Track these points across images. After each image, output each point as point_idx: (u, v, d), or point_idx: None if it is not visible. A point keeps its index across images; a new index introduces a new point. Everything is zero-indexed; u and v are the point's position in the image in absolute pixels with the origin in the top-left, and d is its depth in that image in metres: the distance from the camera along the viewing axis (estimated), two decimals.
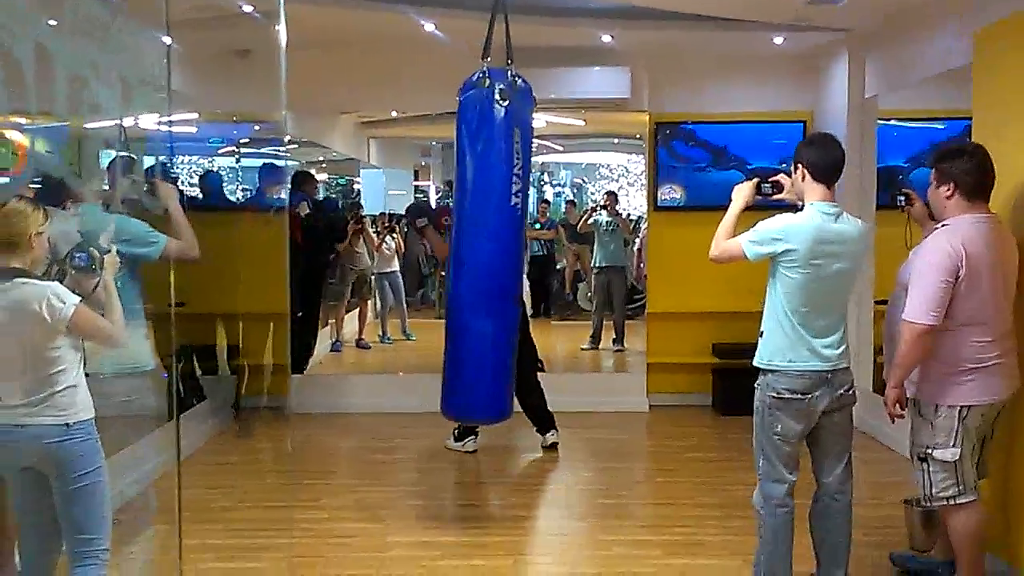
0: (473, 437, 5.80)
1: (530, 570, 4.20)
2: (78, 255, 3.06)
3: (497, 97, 4.28)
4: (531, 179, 4.59)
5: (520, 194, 4.41)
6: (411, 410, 6.40)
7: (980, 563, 3.48)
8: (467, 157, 4.40)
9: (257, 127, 7.19)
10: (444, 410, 4.69)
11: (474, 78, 4.33)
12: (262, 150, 7.71)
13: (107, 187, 4.15)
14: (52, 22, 3.49)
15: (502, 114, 4.31)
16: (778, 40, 6.39)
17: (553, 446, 5.85)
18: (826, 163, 3.35)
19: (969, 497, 3.42)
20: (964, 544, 3.45)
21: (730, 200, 3.56)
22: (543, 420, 5.83)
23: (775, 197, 3.53)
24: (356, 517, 4.72)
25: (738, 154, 7.01)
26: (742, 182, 3.61)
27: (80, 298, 2.93)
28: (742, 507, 3.90)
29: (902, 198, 3.86)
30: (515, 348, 4.67)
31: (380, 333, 9.43)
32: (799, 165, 3.40)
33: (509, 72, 4.35)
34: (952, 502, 3.42)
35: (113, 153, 4.16)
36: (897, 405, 3.44)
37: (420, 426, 6.17)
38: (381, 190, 11.22)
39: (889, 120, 6.88)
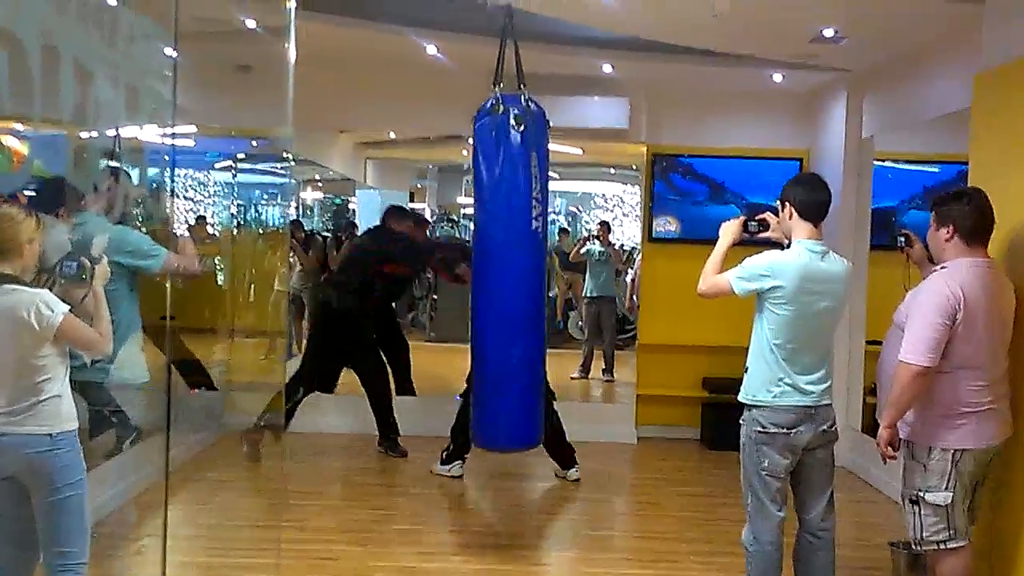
0: (460, 462, 5.75)
1: None
2: (68, 264, 3.03)
3: (512, 123, 4.29)
4: (547, 203, 4.59)
5: (540, 218, 4.40)
6: (401, 433, 6.35)
7: None
8: (485, 183, 4.39)
9: (255, 143, 7.18)
10: (476, 441, 4.73)
11: (488, 105, 4.34)
12: (258, 166, 7.71)
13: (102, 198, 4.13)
14: (59, 18, 3.49)
15: (518, 139, 4.31)
16: (778, 78, 6.44)
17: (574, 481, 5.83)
18: (813, 202, 3.41)
19: (959, 542, 3.39)
20: None
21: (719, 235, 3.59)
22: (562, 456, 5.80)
23: (761, 235, 3.56)
24: (340, 540, 4.67)
25: (735, 189, 7.04)
26: (732, 219, 3.64)
27: (69, 307, 2.90)
28: (729, 543, 3.88)
29: (902, 239, 3.86)
30: (543, 373, 4.64)
31: None
32: (787, 204, 3.45)
33: (522, 97, 4.36)
34: (942, 547, 3.39)
35: (112, 163, 4.15)
36: (889, 447, 3.41)
37: (408, 449, 6.13)
38: (377, 211, 11.22)
39: (884, 162, 6.91)
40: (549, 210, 5.08)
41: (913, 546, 3.50)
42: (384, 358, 6.43)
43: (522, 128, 4.29)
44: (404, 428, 6.31)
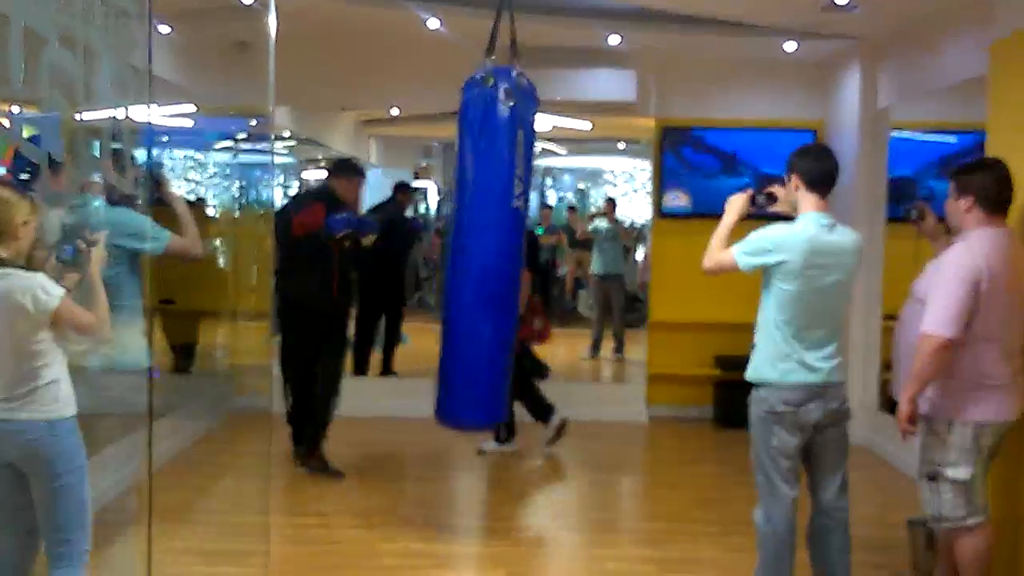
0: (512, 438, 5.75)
1: None
2: (64, 247, 2.96)
3: (501, 96, 4.17)
4: (534, 183, 4.50)
5: (522, 196, 4.30)
6: (406, 414, 6.27)
7: None
8: (468, 157, 4.29)
9: (254, 122, 7.09)
10: (438, 416, 4.55)
11: (478, 76, 4.22)
12: (259, 146, 7.62)
13: (101, 179, 4.05)
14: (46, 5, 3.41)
15: (506, 114, 4.19)
16: (789, 47, 6.30)
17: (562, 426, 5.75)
18: (819, 173, 3.31)
19: (979, 519, 3.33)
20: (971, 568, 3.36)
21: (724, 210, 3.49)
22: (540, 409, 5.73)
23: (770, 209, 3.46)
24: (347, 523, 4.62)
25: (747, 161, 6.92)
26: (738, 193, 3.54)
27: (65, 290, 2.83)
28: (742, 523, 3.80)
29: (915, 212, 3.79)
30: (512, 352, 4.56)
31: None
32: (792, 175, 3.35)
33: (514, 71, 4.25)
34: (962, 524, 3.33)
35: (113, 145, 4.07)
36: (909, 422, 3.33)
37: (415, 431, 6.05)
38: (382, 190, 11.15)
39: (901, 131, 6.78)
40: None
41: (931, 524, 3.44)
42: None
43: (511, 103, 4.17)
44: (409, 409, 6.19)
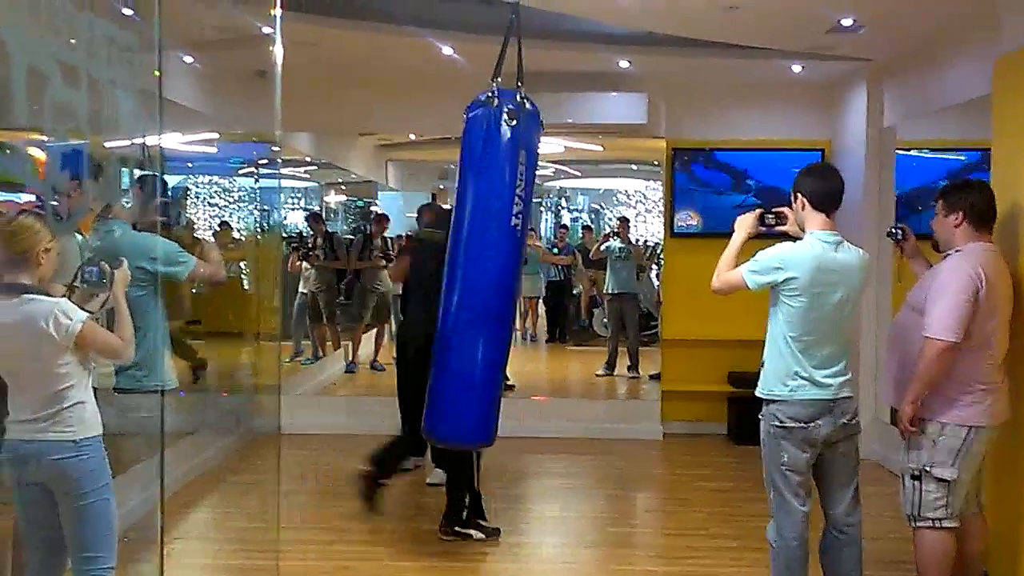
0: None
1: None
2: (88, 269, 3.04)
3: (504, 117, 4.24)
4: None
5: (521, 216, 4.33)
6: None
7: None
8: (470, 175, 4.35)
9: (275, 148, 7.25)
10: (428, 432, 4.51)
11: (483, 97, 4.29)
12: (281, 171, 7.77)
13: (129, 205, 4.17)
14: (72, 41, 3.53)
15: (508, 135, 4.25)
16: (797, 68, 6.38)
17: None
18: (825, 192, 3.38)
19: (953, 523, 3.45)
20: (931, 568, 3.48)
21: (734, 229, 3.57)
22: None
23: (778, 228, 3.54)
24: (365, 540, 4.70)
25: (757, 179, 7.00)
26: (747, 212, 3.61)
27: (88, 314, 2.92)
28: (757, 539, 3.85)
29: (898, 232, 3.90)
30: (504, 371, 4.59)
31: (395, 355, 9.41)
32: (799, 195, 3.42)
33: (519, 94, 4.33)
34: (937, 524, 3.45)
35: (136, 172, 4.19)
36: (910, 424, 3.46)
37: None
38: (399, 213, 11.26)
39: (909, 151, 6.85)
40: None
41: (907, 521, 3.55)
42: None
43: (514, 123, 4.24)
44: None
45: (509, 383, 7.24)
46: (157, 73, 3.21)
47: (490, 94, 4.27)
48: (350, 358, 9.16)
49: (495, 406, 4.47)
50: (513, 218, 4.30)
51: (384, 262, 9.09)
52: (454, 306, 4.36)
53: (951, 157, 7.02)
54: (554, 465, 5.93)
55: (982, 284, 3.34)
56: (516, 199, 4.29)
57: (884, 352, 6.16)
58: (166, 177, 5.05)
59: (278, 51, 3.71)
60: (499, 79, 4.31)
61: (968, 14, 4.83)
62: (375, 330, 9.35)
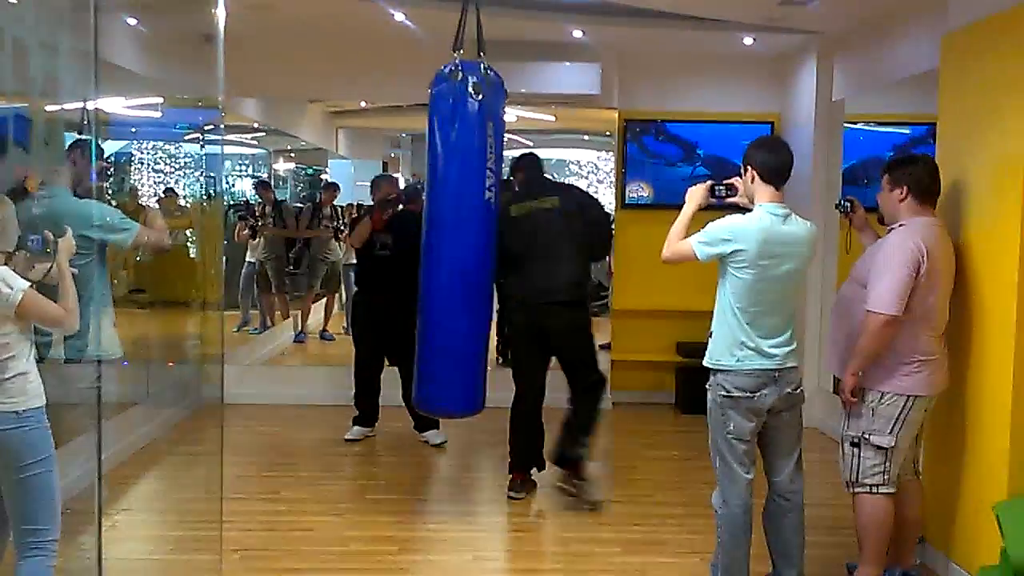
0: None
1: (488, 566, 4.18)
2: (32, 238, 2.97)
3: (470, 90, 4.22)
4: (501, 174, 4.54)
5: (493, 188, 4.36)
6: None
7: (883, 552, 3.60)
8: (439, 151, 4.33)
9: (222, 112, 7.13)
10: (418, 403, 4.64)
11: (446, 71, 4.26)
12: (228, 137, 7.63)
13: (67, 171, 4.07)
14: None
15: (475, 108, 4.24)
16: (748, 41, 6.42)
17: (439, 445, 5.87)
18: (775, 165, 3.41)
19: (891, 489, 3.56)
20: (871, 532, 3.58)
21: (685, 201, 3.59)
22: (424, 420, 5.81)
23: (729, 200, 3.57)
24: (315, 510, 4.68)
25: (708, 151, 7.05)
26: (698, 184, 3.64)
27: (29, 283, 2.85)
28: (703, 505, 3.91)
29: (847, 204, 3.96)
30: (487, 341, 4.63)
31: (344, 325, 9.36)
32: (748, 167, 3.44)
33: (481, 65, 4.30)
34: (875, 491, 3.55)
35: (80, 136, 4.08)
36: (851, 394, 3.56)
37: (381, 419, 6.13)
38: (350, 181, 11.14)
39: (855, 124, 6.94)
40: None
41: (846, 487, 3.65)
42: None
43: (480, 96, 4.23)
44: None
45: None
46: (93, 34, 3.12)
47: (453, 67, 4.24)
48: (299, 328, 9.09)
49: (482, 373, 4.53)
50: (486, 191, 4.31)
51: (333, 231, 9.01)
52: (435, 282, 4.39)
53: (896, 131, 7.13)
54: (503, 435, 5.95)
55: (924, 259, 3.41)
56: (488, 172, 4.30)
57: (828, 323, 6.32)
58: (109, 142, 4.93)
59: (220, 14, 3.62)
60: (461, 50, 4.27)
61: None
62: (325, 299, 9.28)
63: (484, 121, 4.28)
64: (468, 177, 4.31)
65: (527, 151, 5.44)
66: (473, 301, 4.44)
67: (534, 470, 5.02)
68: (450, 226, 4.35)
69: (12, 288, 2.79)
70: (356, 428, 5.99)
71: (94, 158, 3.85)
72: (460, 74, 4.22)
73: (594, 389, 4.92)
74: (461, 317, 4.40)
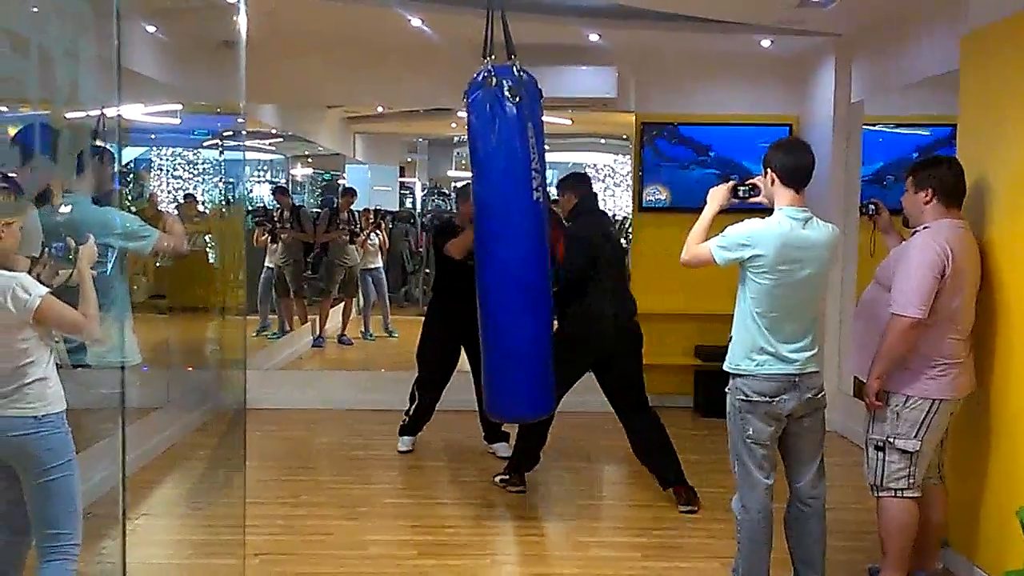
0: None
1: (506, 570, 4.18)
2: (54, 245, 3.00)
3: (506, 94, 4.20)
4: (546, 174, 4.52)
5: (540, 188, 4.34)
6: (392, 407, 6.34)
7: (906, 556, 3.57)
8: (483, 157, 4.31)
9: (240, 119, 7.17)
10: (491, 410, 4.65)
11: (479, 78, 4.24)
12: (245, 143, 7.67)
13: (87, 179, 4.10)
14: (34, 8, 3.44)
15: (514, 111, 4.21)
16: (765, 43, 6.39)
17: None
18: (795, 168, 3.37)
19: (916, 493, 3.53)
20: (895, 536, 3.55)
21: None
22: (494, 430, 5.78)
23: (752, 200, 3.53)
24: (334, 514, 4.69)
25: (723, 154, 7.02)
26: (720, 184, 3.61)
27: (48, 289, 2.87)
28: (722, 510, 3.90)
29: (871, 207, 3.93)
30: (551, 342, 4.57)
31: (362, 329, 9.40)
32: (768, 170, 3.41)
33: (514, 68, 4.28)
34: (899, 494, 3.52)
35: (98, 143, 4.11)
36: (876, 398, 3.53)
37: (389, 421, 6.12)
38: (367, 186, 11.18)
39: (874, 126, 6.89)
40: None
41: (871, 491, 3.62)
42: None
43: (517, 99, 4.21)
44: (396, 402, 6.26)
45: None
46: (116, 42, 3.14)
47: (487, 73, 4.22)
48: (317, 332, 9.12)
49: (548, 376, 4.49)
50: (534, 192, 4.29)
51: (350, 236, 9.05)
52: (495, 285, 4.36)
53: (918, 133, 7.08)
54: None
55: (949, 261, 3.38)
56: (533, 173, 4.28)
57: (849, 326, 6.28)
58: (129, 149, 4.96)
59: (242, 21, 3.64)
60: (493, 55, 4.26)
61: None
62: (342, 304, 9.31)
63: (524, 123, 4.25)
64: (515, 180, 4.27)
65: (577, 171, 5.46)
66: (532, 302, 4.39)
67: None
68: (505, 230, 4.31)
69: (31, 294, 2.81)
70: (407, 438, 5.92)
71: (117, 165, 3.88)
72: (495, 79, 4.20)
73: (651, 412, 5.13)
74: (522, 319, 4.35)
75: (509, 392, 4.50)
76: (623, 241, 8.82)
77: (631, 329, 4.95)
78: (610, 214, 5.28)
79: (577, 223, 5.00)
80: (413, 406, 5.81)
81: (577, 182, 5.20)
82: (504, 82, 4.21)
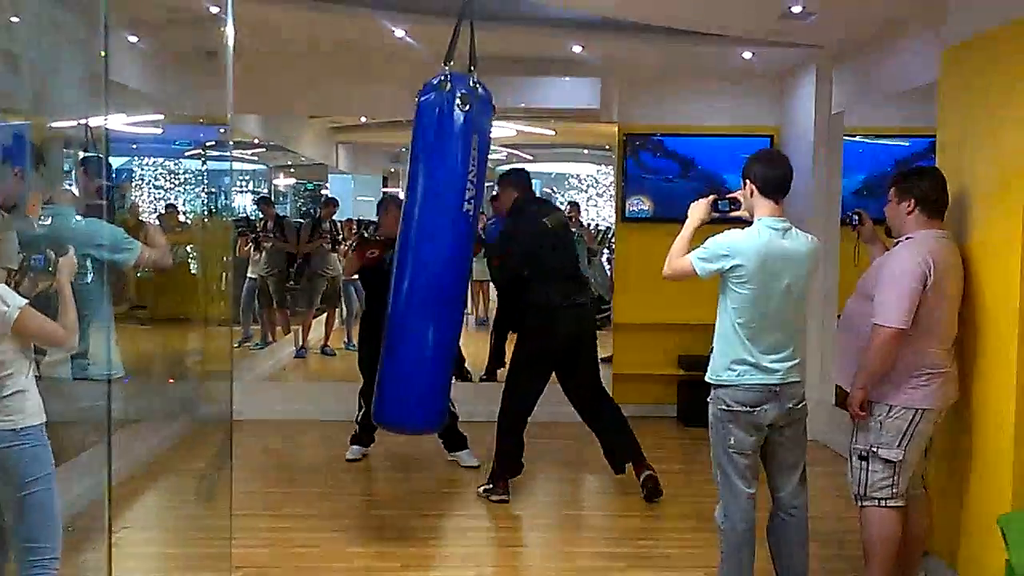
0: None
1: None
2: (34, 257, 2.98)
3: (457, 102, 4.21)
4: (483, 189, 4.52)
5: (473, 201, 4.33)
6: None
7: (890, 565, 3.57)
8: (422, 159, 4.32)
9: (223, 130, 7.15)
10: (377, 418, 4.51)
11: (435, 81, 4.25)
12: (226, 153, 7.65)
13: (74, 190, 4.08)
14: (14, 19, 3.43)
15: (461, 120, 4.23)
16: (747, 55, 6.44)
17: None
18: (774, 178, 3.40)
19: (899, 503, 3.54)
20: (878, 546, 3.56)
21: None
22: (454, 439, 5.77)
23: (733, 213, 3.55)
24: (318, 527, 4.67)
25: (706, 167, 7.06)
26: (701, 198, 3.62)
27: (26, 300, 2.85)
28: (706, 519, 3.91)
29: (855, 217, 3.95)
30: (454, 355, 4.59)
31: (345, 340, 9.36)
32: (747, 181, 3.44)
33: (471, 78, 4.30)
34: (883, 504, 3.53)
35: (81, 154, 4.08)
36: (860, 408, 3.53)
37: (384, 435, 6.10)
38: (349, 196, 11.17)
39: (855, 137, 6.96)
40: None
41: (854, 501, 3.63)
42: None
43: (467, 108, 4.22)
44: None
45: (467, 370, 7.27)
46: (103, 54, 3.13)
47: (442, 78, 4.23)
48: (300, 343, 9.09)
49: (446, 390, 4.47)
50: (465, 203, 4.29)
51: (332, 246, 9.03)
52: (404, 291, 4.34)
53: (897, 144, 7.15)
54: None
55: (931, 272, 3.39)
56: (468, 184, 4.28)
57: (831, 336, 6.32)
58: (111, 159, 4.93)
59: (229, 32, 3.64)
60: (452, 63, 4.27)
61: (917, 3, 4.90)
62: (325, 314, 9.28)
63: (469, 133, 4.25)
64: (448, 188, 4.27)
65: (515, 167, 5.50)
66: (442, 312, 4.35)
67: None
68: (426, 236, 4.29)
69: (9, 305, 2.79)
70: (356, 447, 5.95)
71: (104, 176, 3.86)
72: (448, 85, 4.21)
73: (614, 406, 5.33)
74: (428, 328, 4.31)
75: (402, 401, 4.37)
76: (605, 250, 8.88)
77: (586, 315, 5.13)
78: (565, 209, 5.34)
79: (515, 219, 5.15)
80: (360, 413, 5.83)
81: (515, 177, 5.32)
82: (458, 89, 4.22)
